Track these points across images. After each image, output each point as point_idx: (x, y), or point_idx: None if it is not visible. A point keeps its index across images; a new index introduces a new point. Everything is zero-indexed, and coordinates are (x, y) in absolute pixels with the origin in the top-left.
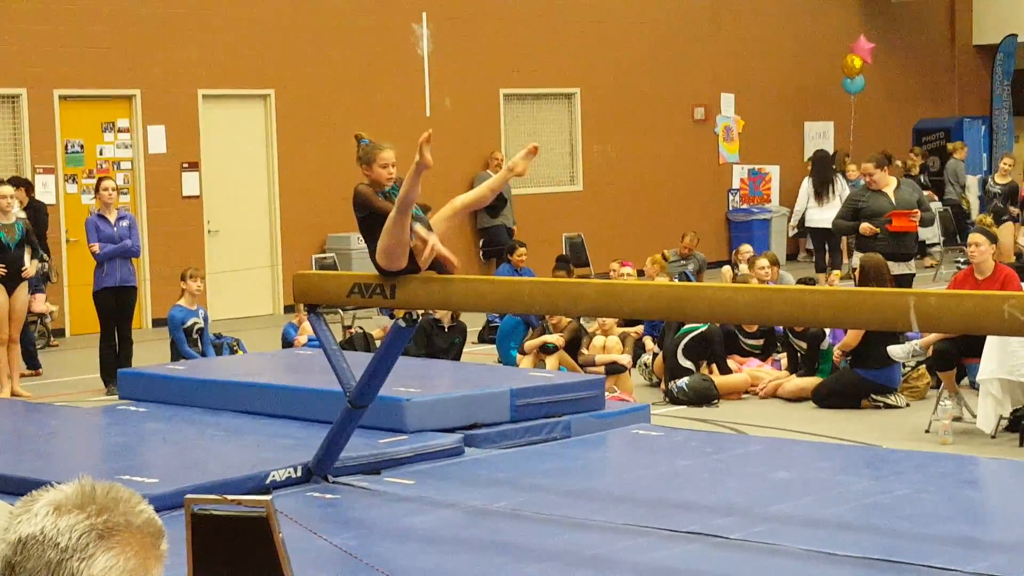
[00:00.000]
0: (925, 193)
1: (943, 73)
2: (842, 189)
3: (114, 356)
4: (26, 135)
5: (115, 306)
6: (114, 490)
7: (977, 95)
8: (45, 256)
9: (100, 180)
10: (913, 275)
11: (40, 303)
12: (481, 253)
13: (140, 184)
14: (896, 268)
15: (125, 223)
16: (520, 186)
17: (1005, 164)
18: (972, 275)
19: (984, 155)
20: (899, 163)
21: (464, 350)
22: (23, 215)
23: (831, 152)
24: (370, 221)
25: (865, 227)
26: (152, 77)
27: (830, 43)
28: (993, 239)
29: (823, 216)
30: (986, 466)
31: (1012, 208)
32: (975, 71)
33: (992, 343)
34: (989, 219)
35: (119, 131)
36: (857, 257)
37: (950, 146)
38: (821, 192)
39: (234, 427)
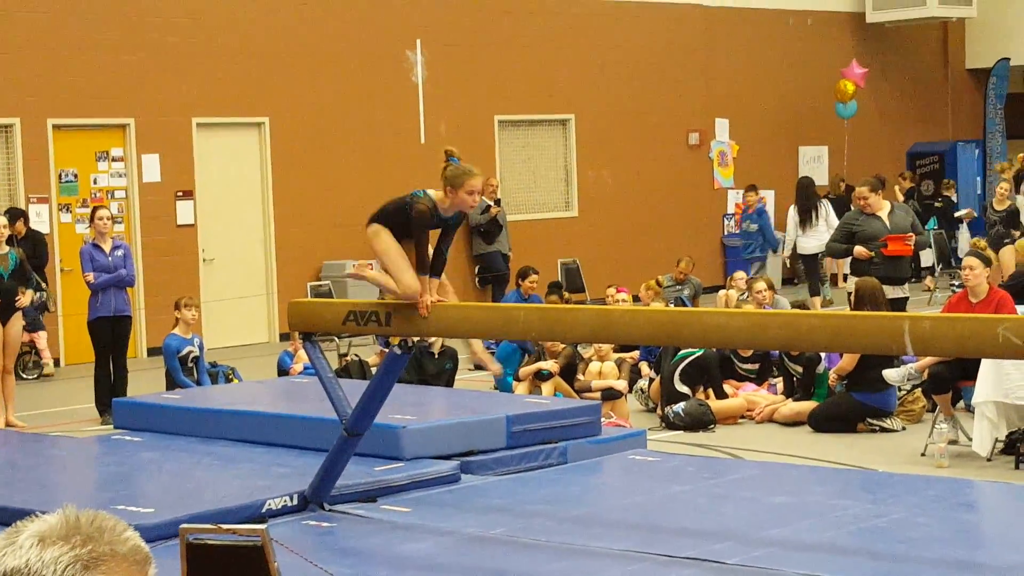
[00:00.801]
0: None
1: (936, 97)
2: (826, 214)
3: (109, 385)
4: (20, 164)
5: (110, 336)
6: (99, 519)
7: (970, 119)
8: (43, 285)
9: (95, 209)
10: (907, 299)
11: (42, 341)
12: (477, 280)
13: (134, 213)
14: (891, 292)
15: (120, 252)
16: (515, 212)
17: (1002, 189)
18: (966, 298)
19: (978, 179)
20: (897, 187)
21: (461, 377)
22: (5, 249)
23: (822, 177)
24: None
25: (859, 251)
26: (146, 105)
27: (824, 68)
28: (987, 262)
29: (807, 243)
30: (982, 489)
31: (1015, 232)
32: (968, 95)
33: (987, 366)
34: (983, 242)
35: (113, 160)
36: (851, 282)
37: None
38: (804, 219)
39: (230, 456)
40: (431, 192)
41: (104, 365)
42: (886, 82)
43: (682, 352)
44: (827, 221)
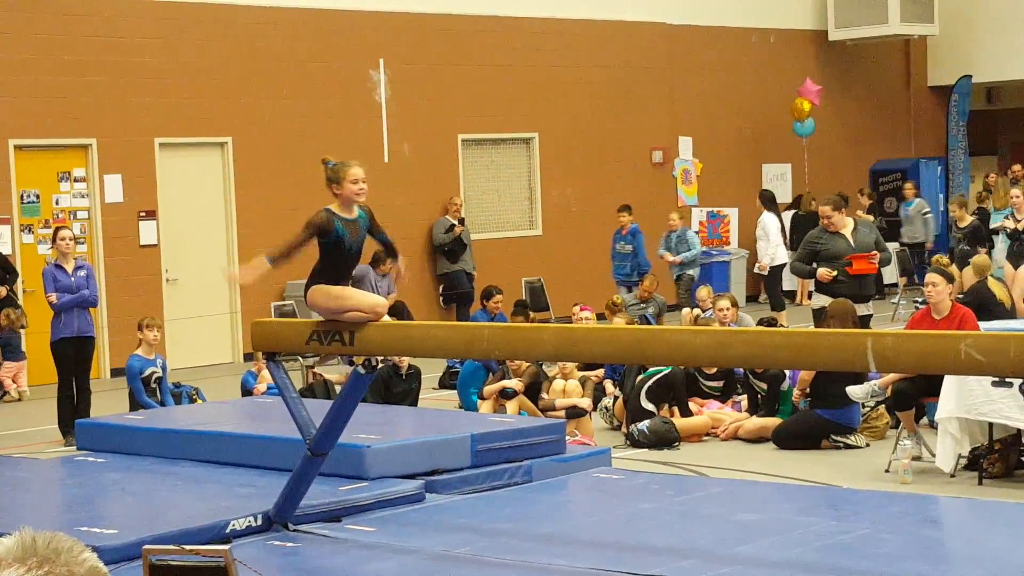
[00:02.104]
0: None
1: (899, 114)
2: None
3: (72, 406)
4: None
5: (73, 356)
6: (55, 540)
7: (933, 136)
8: (19, 302)
9: (57, 230)
10: (871, 316)
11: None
12: (441, 299)
13: (97, 233)
14: (857, 310)
15: (83, 273)
16: (480, 231)
17: (956, 212)
18: (929, 315)
19: (940, 195)
20: (863, 202)
21: (425, 396)
22: None
23: (784, 195)
24: (324, 246)
25: (822, 272)
26: (108, 126)
27: (787, 85)
28: (950, 279)
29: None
30: (946, 505)
31: (980, 248)
32: (930, 112)
33: (950, 382)
34: (946, 259)
35: (75, 180)
36: (817, 299)
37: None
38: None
39: (193, 476)
40: (330, 206)
41: (67, 386)
42: (848, 99)
43: (650, 370)
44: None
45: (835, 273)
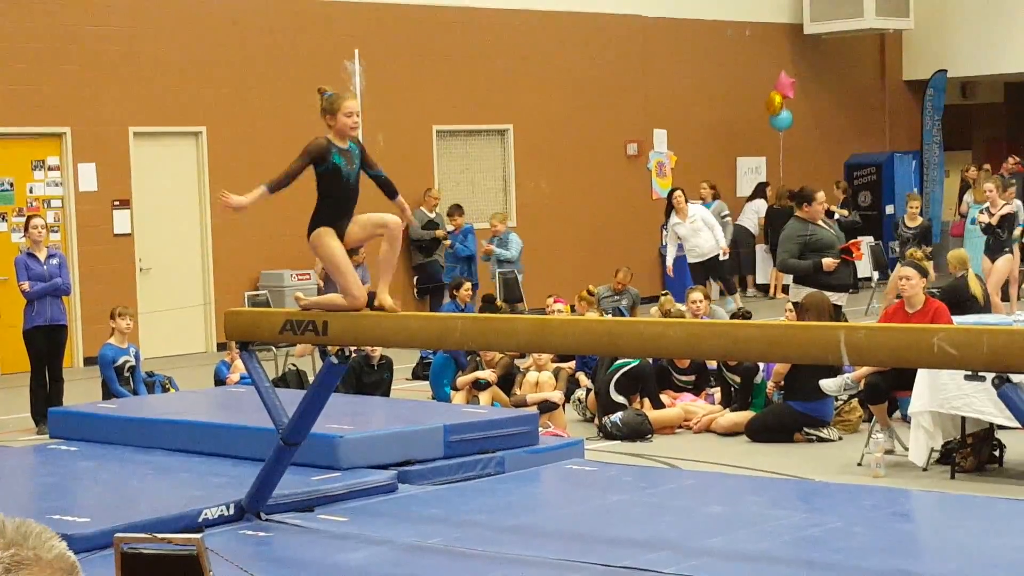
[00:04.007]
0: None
1: (874, 108)
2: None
3: (44, 395)
4: None
5: (45, 345)
6: (24, 525)
7: (908, 130)
8: None
9: (29, 218)
10: (841, 307)
11: None
12: (415, 290)
13: (71, 222)
14: (838, 299)
15: (55, 261)
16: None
17: (912, 207)
18: (903, 309)
19: (915, 190)
20: (837, 196)
21: (398, 387)
22: None
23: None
24: (321, 176)
25: (828, 262)
26: (83, 114)
27: (762, 79)
28: (924, 273)
29: (707, 246)
30: (918, 499)
31: (926, 247)
32: (905, 106)
33: (923, 376)
34: (920, 253)
35: (49, 169)
36: (795, 291)
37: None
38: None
39: (166, 465)
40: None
41: (40, 374)
42: (823, 93)
43: (618, 362)
44: (705, 221)
45: (838, 261)
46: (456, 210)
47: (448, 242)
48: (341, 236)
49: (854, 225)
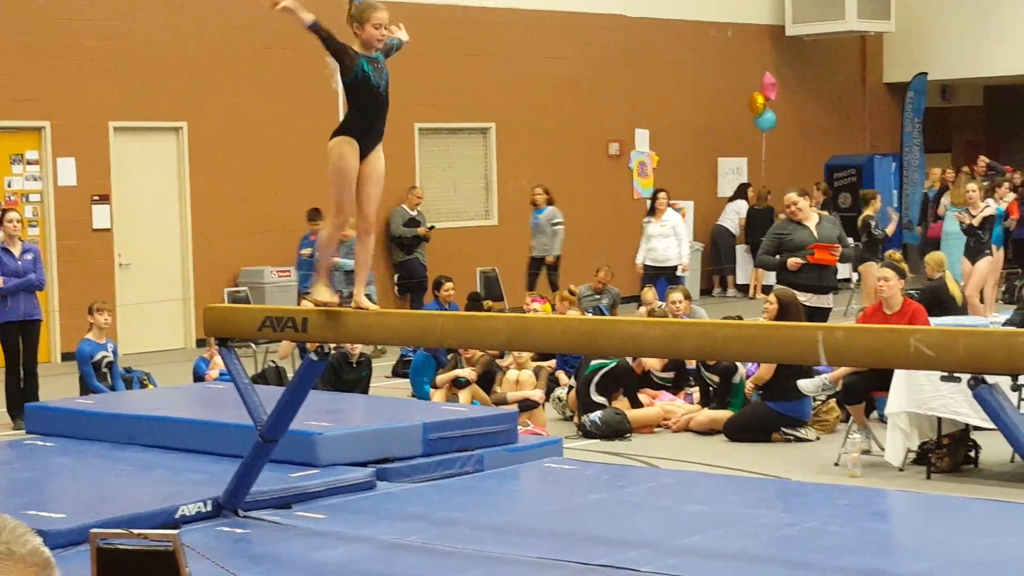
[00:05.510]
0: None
1: (855, 110)
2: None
3: (20, 390)
4: None
5: (19, 340)
6: None
7: (888, 132)
8: None
9: (4, 212)
10: (830, 309)
11: None
12: (396, 288)
13: (50, 217)
14: (816, 301)
15: (30, 256)
16: (435, 220)
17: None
18: (881, 309)
19: (895, 192)
20: (820, 196)
21: (378, 384)
22: None
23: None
24: (351, 87)
25: (792, 262)
26: (62, 109)
27: (743, 80)
28: (902, 274)
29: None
30: (894, 499)
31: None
32: (886, 109)
33: (900, 377)
34: (898, 255)
35: (28, 163)
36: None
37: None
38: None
39: (143, 462)
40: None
41: (14, 370)
42: (805, 95)
43: (596, 363)
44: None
45: (803, 262)
46: (315, 214)
47: (307, 252)
48: (363, 155)
49: (880, 240)
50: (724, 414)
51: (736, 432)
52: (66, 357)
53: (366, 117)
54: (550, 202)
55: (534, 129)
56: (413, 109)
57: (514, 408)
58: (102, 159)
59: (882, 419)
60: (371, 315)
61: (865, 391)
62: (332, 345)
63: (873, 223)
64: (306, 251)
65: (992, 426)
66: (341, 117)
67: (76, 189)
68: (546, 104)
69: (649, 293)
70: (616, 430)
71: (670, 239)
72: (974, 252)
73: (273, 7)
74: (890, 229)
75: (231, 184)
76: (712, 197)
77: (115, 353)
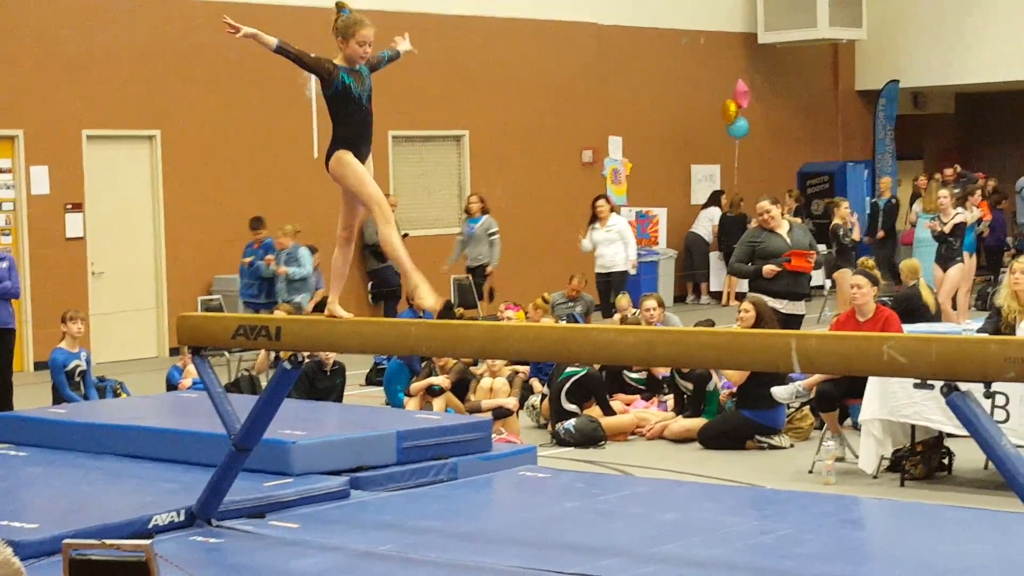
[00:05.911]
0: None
1: (827, 118)
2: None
3: None
4: None
5: None
6: None
7: (860, 139)
8: None
9: None
10: (803, 316)
11: None
12: (370, 296)
13: (22, 225)
14: (791, 308)
15: (4, 264)
16: (409, 228)
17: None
18: (854, 316)
19: (867, 199)
20: (792, 203)
21: (352, 392)
22: None
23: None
24: (332, 99)
25: (768, 269)
26: (35, 117)
27: (714, 87)
28: (875, 281)
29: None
30: (868, 506)
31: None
32: (858, 116)
33: (873, 384)
34: (871, 262)
35: (1, 172)
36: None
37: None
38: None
39: (116, 471)
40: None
41: None
42: (777, 102)
43: (567, 371)
44: (622, 234)
45: (779, 269)
46: (258, 223)
47: (248, 260)
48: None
49: (849, 247)
50: (698, 422)
51: (710, 440)
52: (39, 366)
53: (352, 128)
54: (484, 211)
55: (508, 137)
56: (386, 117)
57: (488, 416)
58: (75, 167)
59: (856, 426)
60: (344, 324)
61: (839, 398)
62: (306, 353)
63: (842, 231)
64: (247, 259)
65: (965, 433)
66: (315, 125)
67: (49, 198)
68: (519, 112)
69: (623, 299)
70: (590, 438)
71: (616, 244)
72: (945, 259)
73: (235, 35)
74: (855, 235)
75: (204, 192)
76: (685, 204)
77: (88, 362)
